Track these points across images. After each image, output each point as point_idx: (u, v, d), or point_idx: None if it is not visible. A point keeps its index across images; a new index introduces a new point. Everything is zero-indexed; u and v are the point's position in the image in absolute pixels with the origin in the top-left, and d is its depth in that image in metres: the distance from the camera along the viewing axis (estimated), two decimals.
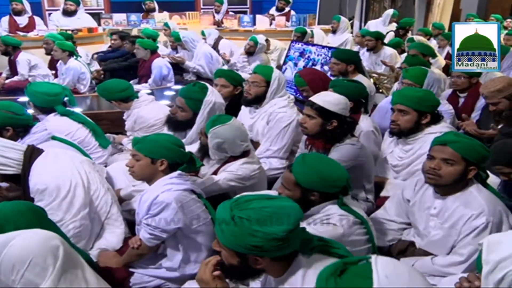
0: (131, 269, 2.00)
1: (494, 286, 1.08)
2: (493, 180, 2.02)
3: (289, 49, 4.96)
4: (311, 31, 6.16)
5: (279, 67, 5.08)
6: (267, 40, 5.82)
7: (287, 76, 4.64)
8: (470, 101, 3.28)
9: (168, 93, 4.62)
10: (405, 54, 4.95)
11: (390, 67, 4.85)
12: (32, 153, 1.99)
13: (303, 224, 1.60)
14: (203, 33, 5.97)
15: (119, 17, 7.01)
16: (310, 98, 2.34)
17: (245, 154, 2.34)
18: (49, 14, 7.18)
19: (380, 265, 0.95)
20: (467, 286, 1.28)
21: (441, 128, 2.39)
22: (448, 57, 5.10)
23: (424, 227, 1.94)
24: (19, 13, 6.29)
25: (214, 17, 7.57)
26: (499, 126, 2.70)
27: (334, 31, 6.73)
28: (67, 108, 2.86)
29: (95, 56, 5.55)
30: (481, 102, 3.16)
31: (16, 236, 1.24)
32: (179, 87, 4.59)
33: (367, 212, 2.12)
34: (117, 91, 3.09)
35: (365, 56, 5.23)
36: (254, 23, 7.35)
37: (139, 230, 1.95)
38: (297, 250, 1.30)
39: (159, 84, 4.84)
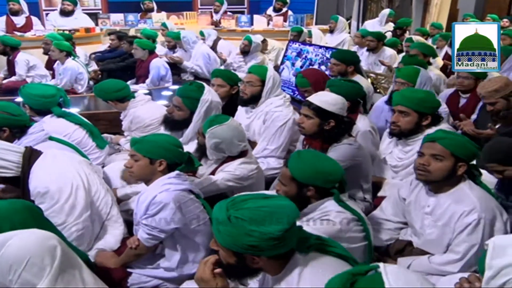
0: (129, 269, 1.99)
1: None
2: (490, 180, 2.03)
3: (286, 49, 4.96)
4: (309, 31, 6.17)
5: (276, 67, 5.08)
6: (264, 40, 5.83)
7: (285, 76, 4.65)
8: (472, 102, 3.26)
9: (166, 93, 4.61)
10: (402, 54, 4.95)
11: (388, 67, 4.86)
12: (31, 155, 1.97)
13: (300, 223, 1.60)
14: (201, 33, 5.96)
15: (117, 17, 7.01)
16: (308, 98, 2.34)
17: (242, 154, 2.34)
18: (46, 14, 7.17)
19: (391, 275, 0.95)
20: (467, 287, 1.28)
21: None
22: (446, 57, 5.08)
23: (420, 226, 1.95)
24: (16, 13, 6.27)
25: (212, 17, 7.56)
26: (497, 126, 2.70)
27: (331, 31, 6.74)
28: (64, 109, 2.85)
29: (93, 56, 5.54)
30: (482, 103, 3.16)
31: (14, 236, 1.23)
32: (176, 87, 4.54)
33: (364, 211, 2.12)
34: (113, 91, 3.09)
35: (364, 56, 5.23)
36: (251, 23, 7.35)
37: (137, 230, 1.95)
38: (294, 249, 1.31)
39: (157, 84, 4.84)
